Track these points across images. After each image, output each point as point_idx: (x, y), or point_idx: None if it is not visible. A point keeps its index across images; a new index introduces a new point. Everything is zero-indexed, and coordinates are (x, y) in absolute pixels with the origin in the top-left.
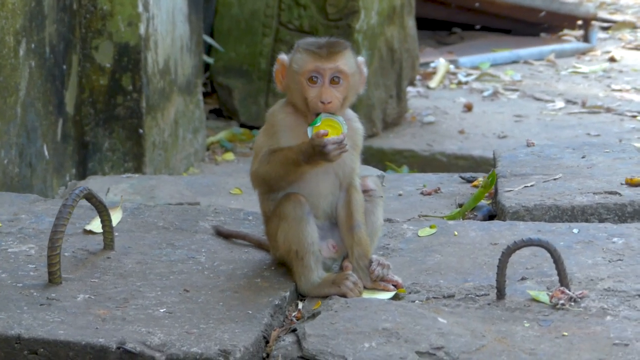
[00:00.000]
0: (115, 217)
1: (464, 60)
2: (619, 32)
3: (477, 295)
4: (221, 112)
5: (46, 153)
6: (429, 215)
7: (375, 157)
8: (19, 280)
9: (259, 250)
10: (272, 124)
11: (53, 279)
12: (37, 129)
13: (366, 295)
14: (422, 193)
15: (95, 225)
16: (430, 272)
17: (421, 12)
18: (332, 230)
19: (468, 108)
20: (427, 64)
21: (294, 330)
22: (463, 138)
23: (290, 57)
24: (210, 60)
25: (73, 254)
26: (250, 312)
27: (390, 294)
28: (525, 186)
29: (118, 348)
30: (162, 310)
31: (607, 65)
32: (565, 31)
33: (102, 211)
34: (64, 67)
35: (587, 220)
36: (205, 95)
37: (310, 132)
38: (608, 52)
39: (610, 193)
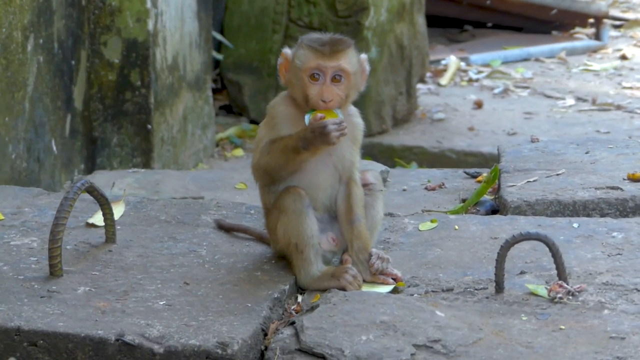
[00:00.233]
0: (118, 210)
1: (475, 57)
2: (631, 30)
3: (476, 289)
4: (231, 109)
5: (54, 148)
6: (431, 210)
7: (384, 154)
8: (20, 273)
9: (260, 243)
10: (272, 116)
11: (54, 271)
12: (45, 124)
13: (365, 288)
14: (426, 188)
15: (98, 218)
16: (430, 266)
17: (433, 9)
18: (332, 223)
19: (478, 105)
20: (438, 62)
21: (293, 323)
22: (472, 135)
23: (294, 52)
24: (219, 56)
25: (75, 247)
26: (249, 305)
27: (389, 288)
28: (528, 181)
29: (117, 340)
30: (161, 303)
31: (618, 63)
32: (577, 29)
33: (104, 204)
34: (73, 62)
35: (588, 215)
36: (215, 91)
37: (307, 119)
38: (619, 50)
39: (612, 188)
